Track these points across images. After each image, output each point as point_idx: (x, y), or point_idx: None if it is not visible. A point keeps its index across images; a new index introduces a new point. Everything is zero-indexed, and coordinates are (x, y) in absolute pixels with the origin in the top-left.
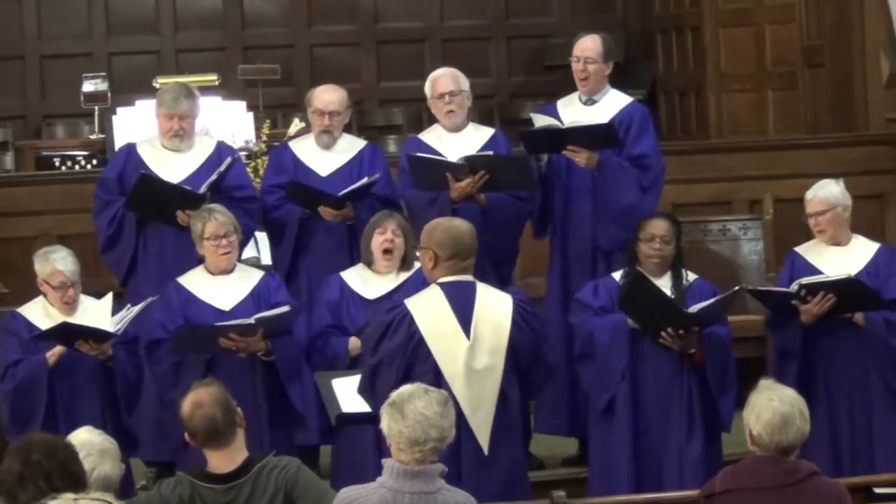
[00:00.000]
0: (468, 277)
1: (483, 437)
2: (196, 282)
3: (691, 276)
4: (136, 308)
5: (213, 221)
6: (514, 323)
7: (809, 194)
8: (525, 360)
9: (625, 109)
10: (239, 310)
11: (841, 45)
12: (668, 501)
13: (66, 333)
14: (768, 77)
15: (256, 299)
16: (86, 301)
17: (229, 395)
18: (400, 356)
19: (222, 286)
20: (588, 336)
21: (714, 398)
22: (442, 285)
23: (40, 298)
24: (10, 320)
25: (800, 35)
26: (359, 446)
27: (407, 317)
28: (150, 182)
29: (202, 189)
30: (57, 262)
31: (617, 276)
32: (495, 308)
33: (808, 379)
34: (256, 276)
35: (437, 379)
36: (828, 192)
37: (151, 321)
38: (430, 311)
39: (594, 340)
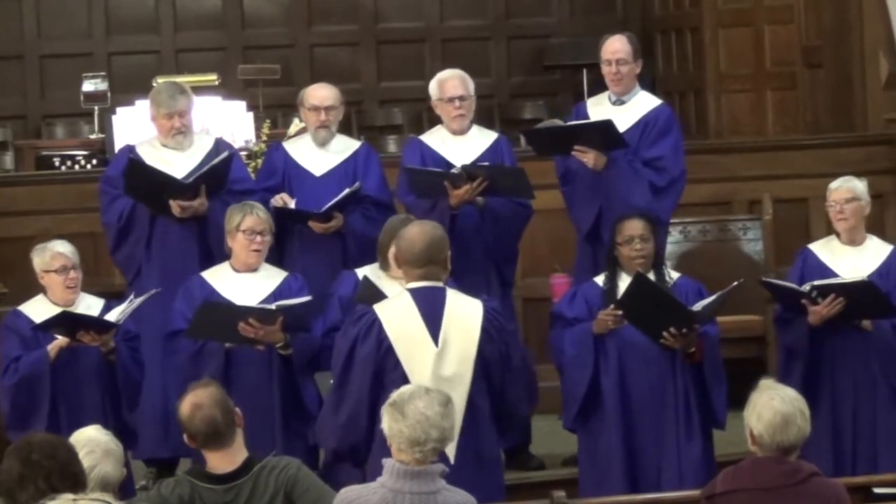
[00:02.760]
0: (438, 283)
1: (449, 446)
2: (220, 277)
3: (675, 275)
4: (139, 300)
5: (254, 216)
6: (485, 331)
7: (835, 184)
8: (496, 370)
9: (652, 111)
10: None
11: (840, 45)
12: (667, 501)
13: (67, 322)
14: (768, 77)
15: (278, 299)
16: (86, 298)
17: (227, 395)
18: (371, 365)
19: (246, 284)
20: (560, 351)
21: (709, 397)
22: (411, 291)
23: (40, 296)
24: (13, 318)
25: (799, 35)
26: None
27: (376, 322)
28: (138, 166)
29: (189, 178)
30: (56, 246)
31: (600, 280)
32: (465, 315)
33: (813, 379)
34: (280, 276)
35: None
36: (854, 184)
37: (172, 312)
38: (398, 316)
39: (563, 354)
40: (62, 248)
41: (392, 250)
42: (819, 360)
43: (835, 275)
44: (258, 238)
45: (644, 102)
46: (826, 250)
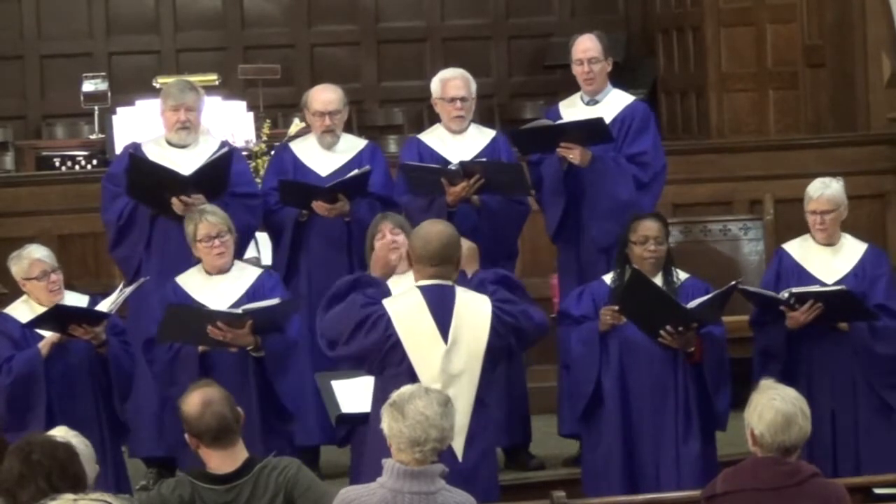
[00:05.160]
0: (448, 282)
1: (457, 443)
2: (193, 282)
3: (683, 275)
4: (129, 289)
5: (205, 223)
6: (493, 329)
7: (814, 192)
8: (504, 355)
9: (627, 108)
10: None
11: (842, 44)
12: (667, 502)
13: (60, 317)
14: (769, 77)
15: (252, 298)
16: (71, 295)
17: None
18: (373, 355)
19: (218, 287)
20: (566, 348)
21: (710, 397)
22: (421, 288)
23: (24, 298)
24: (0, 321)
25: (801, 35)
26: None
27: (384, 317)
28: (139, 162)
29: (189, 172)
30: (32, 253)
31: (608, 278)
32: (474, 313)
33: (789, 381)
34: (253, 274)
35: (411, 382)
36: (834, 192)
37: (149, 319)
38: (408, 313)
39: (570, 353)
40: (38, 253)
41: (377, 246)
42: (795, 363)
43: (810, 275)
44: (216, 242)
45: (617, 100)
46: (801, 250)
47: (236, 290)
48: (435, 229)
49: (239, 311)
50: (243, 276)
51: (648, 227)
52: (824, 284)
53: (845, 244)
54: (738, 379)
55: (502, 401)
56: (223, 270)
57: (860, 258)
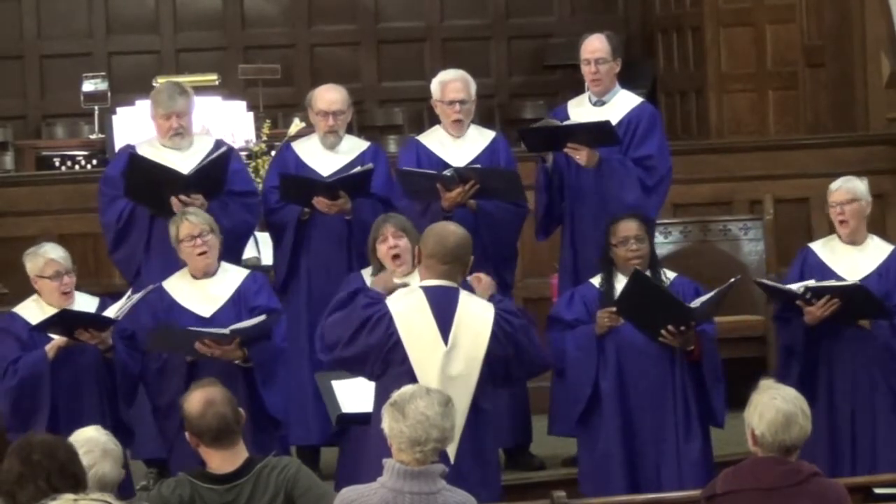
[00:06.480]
0: (452, 283)
1: (450, 446)
2: (178, 287)
3: (671, 274)
4: (137, 296)
5: (186, 223)
6: (494, 335)
7: (835, 185)
8: (501, 371)
9: (634, 110)
10: (219, 316)
11: (841, 44)
12: (667, 502)
13: (66, 321)
14: (769, 77)
15: (237, 304)
16: (80, 297)
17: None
18: (375, 355)
19: (203, 292)
20: (561, 352)
21: (708, 395)
22: (424, 289)
23: (34, 297)
24: (8, 320)
25: (800, 35)
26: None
27: (386, 316)
28: (138, 161)
29: (188, 171)
30: (48, 252)
31: (596, 282)
32: (476, 317)
33: (810, 379)
34: (238, 277)
35: (411, 383)
36: (854, 184)
37: (140, 327)
38: (410, 313)
39: (565, 356)
40: (54, 253)
41: (379, 248)
42: (816, 360)
43: (834, 274)
44: (198, 241)
45: (625, 102)
46: (826, 249)
47: (221, 295)
48: (451, 228)
49: (225, 331)
50: (228, 279)
51: (627, 227)
52: (846, 282)
53: (871, 244)
54: (738, 379)
55: (503, 401)
56: (208, 273)
57: (886, 258)
